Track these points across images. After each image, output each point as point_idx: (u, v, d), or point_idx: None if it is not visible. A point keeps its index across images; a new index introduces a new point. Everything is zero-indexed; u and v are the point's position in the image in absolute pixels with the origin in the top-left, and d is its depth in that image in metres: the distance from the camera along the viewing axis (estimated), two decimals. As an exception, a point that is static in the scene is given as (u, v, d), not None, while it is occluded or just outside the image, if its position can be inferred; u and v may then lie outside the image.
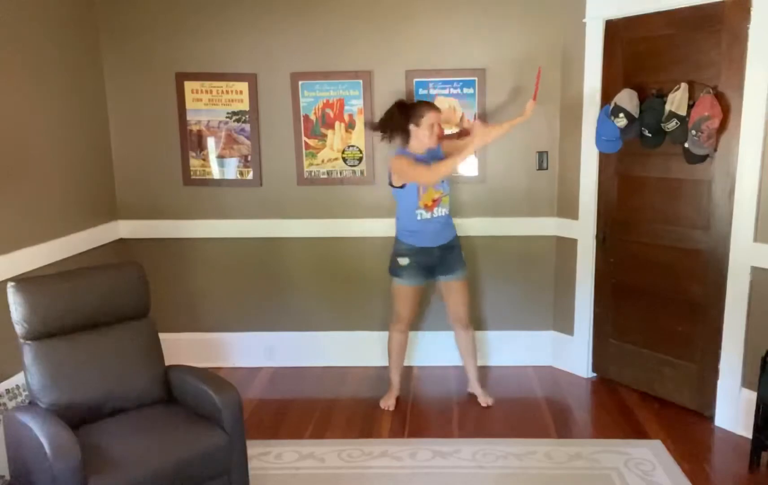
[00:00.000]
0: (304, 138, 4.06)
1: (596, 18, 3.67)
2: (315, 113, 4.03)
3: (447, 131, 3.84)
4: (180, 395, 2.83)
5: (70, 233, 3.61)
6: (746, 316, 3.24)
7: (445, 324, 4.12)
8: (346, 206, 4.13)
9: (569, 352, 4.13)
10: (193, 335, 4.30)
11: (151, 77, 4.03)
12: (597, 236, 3.88)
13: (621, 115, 3.44)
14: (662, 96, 3.36)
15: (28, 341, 2.61)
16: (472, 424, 3.52)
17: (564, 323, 4.15)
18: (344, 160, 4.07)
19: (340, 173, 4.09)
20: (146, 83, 4.03)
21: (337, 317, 4.26)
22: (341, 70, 3.97)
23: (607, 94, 3.63)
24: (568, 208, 4.01)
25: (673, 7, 3.35)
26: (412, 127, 3.45)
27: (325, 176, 4.09)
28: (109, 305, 2.81)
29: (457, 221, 3.79)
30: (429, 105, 3.47)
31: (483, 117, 3.97)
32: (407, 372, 4.01)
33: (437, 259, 3.54)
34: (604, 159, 3.78)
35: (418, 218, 3.45)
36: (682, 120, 3.24)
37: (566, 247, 4.06)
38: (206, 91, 4.02)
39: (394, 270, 3.57)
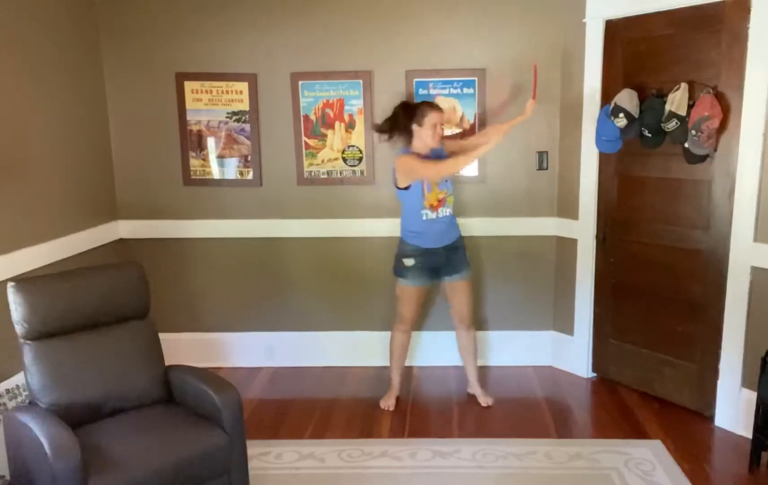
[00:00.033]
0: (304, 138, 4.06)
1: (596, 18, 3.67)
2: (315, 113, 4.03)
3: (448, 132, 3.84)
4: (180, 395, 2.83)
5: (70, 233, 3.61)
6: (746, 316, 3.24)
7: (445, 324, 4.13)
8: (346, 206, 4.13)
9: (569, 352, 4.13)
10: (193, 335, 4.30)
11: (151, 77, 4.03)
12: (597, 236, 3.88)
13: (621, 115, 3.44)
14: (662, 96, 3.36)
15: (28, 341, 2.61)
16: (472, 424, 3.52)
17: (564, 323, 4.15)
18: (344, 160, 4.07)
19: (340, 173, 4.09)
20: (146, 83, 4.03)
21: (337, 317, 4.26)
22: (341, 70, 3.97)
23: (607, 94, 3.63)
24: (568, 208, 4.01)
25: (673, 7, 3.35)
26: (414, 127, 3.45)
27: (325, 176, 4.10)
28: (109, 305, 2.81)
29: (457, 221, 3.79)
30: (432, 105, 3.47)
31: (483, 117, 3.97)
32: (407, 371, 4.01)
33: (443, 259, 3.54)
34: (604, 159, 3.78)
35: (424, 218, 3.45)
36: (682, 120, 3.24)
37: (566, 247, 4.06)
38: (206, 91, 4.02)
39: (399, 271, 3.57)
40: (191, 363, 3.04)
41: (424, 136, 3.43)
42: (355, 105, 4.01)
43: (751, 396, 3.17)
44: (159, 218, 4.17)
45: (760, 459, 3.02)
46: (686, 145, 3.26)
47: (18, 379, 3.03)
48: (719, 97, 3.19)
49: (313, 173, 4.10)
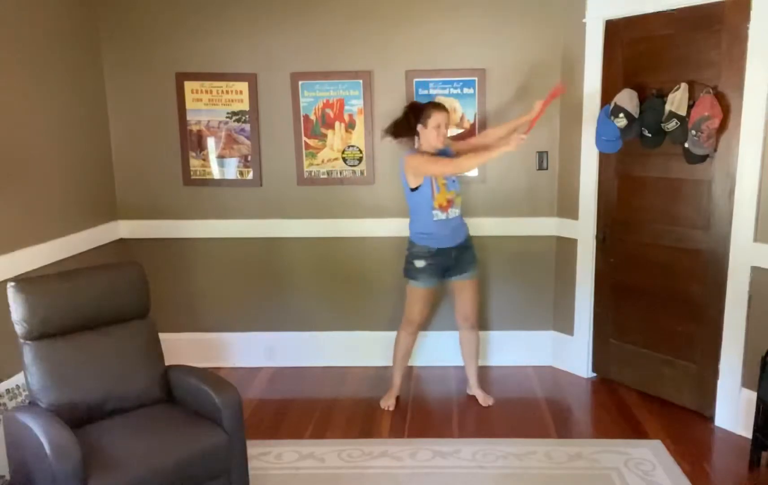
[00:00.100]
0: (304, 138, 4.06)
1: (596, 18, 3.67)
2: (315, 113, 4.03)
3: (451, 132, 3.84)
4: (180, 395, 2.83)
5: (70, 233, 3.61)
6: (746, 316, 3.24)
7: (445, 325, 4.13)
8: (346, 206, 4.13)
9: (569, 352, 4.13)
10: (193, 335, 4.30)
11: (151, 77, 4.03)
12: (597, 236, 3.88)
13: (621, 115, 3.44)
14: (662, 96, 3.36)
15: (28, 341, 2.61)
16: (472, 424, 3.52)
17: (564, 323, 4.15)
18: (344, 160, 4.07)
19: (340, 173, 4.09)
20: (146, 83, 4.03)
21: (337, 317, 4.26)
22: (341, 70, 3.97)
23: (607, 94, 3.63)
24: (568, 208, 4.01)
25: (673, 7, 3.35)
26: (420, 127, 3.46)
27: (325, 176, 4.09)
28: (109, 305, 2.81)
29: (460, 220, 3.80)
30: (436, 105, 3.47)
31: (483, 117, 3.97)
32: (407, 371, 4.00)
33: (453, 260, 3.54)
34: (604, 159, 3.78)
35: (435, 218, 3.44)
36: (682, 120, 3.24)
37: (566, 247, 4.06)
38: (206, 91, 4.02)
39: (410, 273, 3.56)
40: (191, 363, 3.03)
41: (428, 136, 3.43)
42: (355, 105, 4.01)
43: (751, 396, 3.17)
44: (159, 218, 4.17)
45: (760, 459, 3.02)
46: (686, 145, 3.26)
47: (18, 379, 3.03)
48: (719, 97, 3.19)
49: (313, 173, 4.10)
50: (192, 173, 4.12)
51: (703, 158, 3.28)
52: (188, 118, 4.06)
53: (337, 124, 4.04)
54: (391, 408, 3.67)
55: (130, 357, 2.79)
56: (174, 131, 4.07)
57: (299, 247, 4.19)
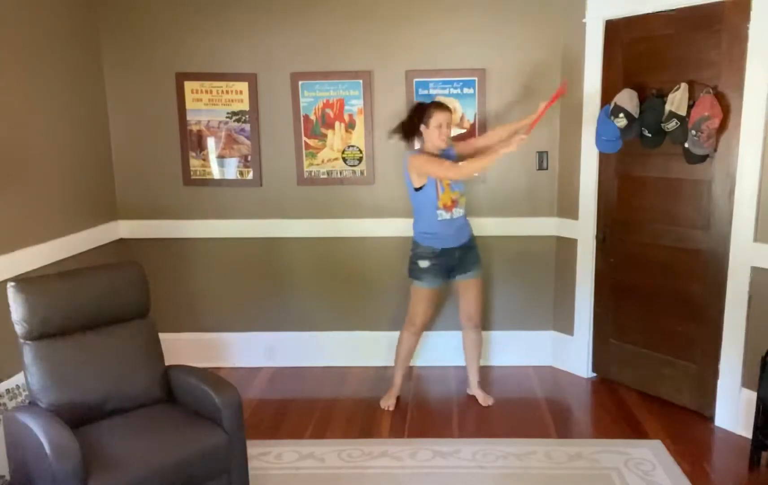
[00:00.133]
0: (304, 138, 4.06)
1: (596, 18, 3.67)
2: (315, 113, 4.03)
3: (454, 132, 3.83)
4: (180, 395, 2.83)
5: (70, 233, 3.61)
6: (746, 316, 3.24)
7: (445, 325, 4.14)
8: (346, 206, 4.13)
9: (569, 352, 4.13)
10: (193, 335, 4.30)
11: (151, 77, 4.03)
12: (597, 236, 3.88)
13: (621, 115, 3.44)
14: (662, 96, 3.36)
15: (28, 342, 2.61)
16: (472, 424, 3.52)
17: (564, 323, 4.15)
18: (344, 160, 4.07)
19: (340, 173, 4.09)
20: (146, 83, 4.03)
21: (337, 317, 4.26)
22: (341, 70, 3.97)
23: (607, 94, 3.63)
24: (568, 208, 4.01)
25: (673, 7, 3.35)
26: (422, 127, 3.46)
27: (325, 176, 4.09)
28: (109, 305, 2.81)
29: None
30: (438, 105, 3.46)
31: (483, 117, 3.97)
32: (407, 371, 4.00)
33: (457, 259, 3.54)
34: (604, 159, 3.78)
35: (439, 218, 3.44)
36: (682, 120, 3.24)
37: (566, 247, 4.06)
38: (206, 91, 4.02)
39: (414, 273, 3.55)
40: (191, 363, 3.03)
41: (431, 136, 3.43)
42: (355, 105, 4.01)
43: (751, 396, 3.17)
44: (159, 218, 4.17)
45: (760, 459, 3.02)
46: (686, 145, 3.26)
47: (18, 379, 3.03)
48: (719, 97, 3.19)
49: (313, 173, 4.10)
50: (192, 173, 4.12)
51: (703, 158, 3.28)
52: (188, 118, 4.06)
53: (337, 124, 4.04)
54: (391, 408, 3.67)
55: (130, 357, 2.79)
56: (174, 131, 4.07)
57: (299, 247, 4.19)
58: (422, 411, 3.66)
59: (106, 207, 4.05)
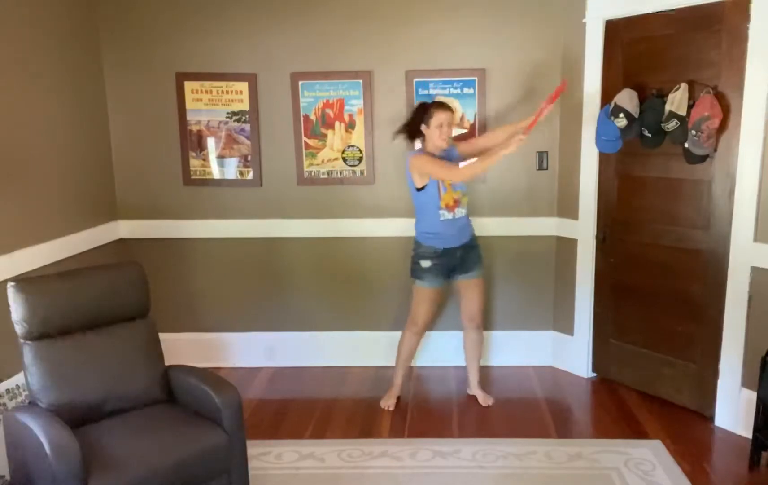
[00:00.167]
0: (304, 138, 4.06)
1: (596, 18, 3.67)
2: (315, 113, 4.03)
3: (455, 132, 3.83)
4: (180, 395, 2.83)
5: (70, 233, 3.61)
6: (746, 316, 3.24)
7: (445, 325, 4.13)
8: (346, 206, 4.13)
9: (569, 352, 4.13)
10: (193, 335, 4.30)
11: (151, 77, 4.03)
12: (597, 236, 3.88)
13: (621, 115, 3.44)
14: (662, 96, 3.36)
15: (28, 342, 2.61)
16: (472, 424, 3.52)
17: (564, 323, 4.15)
18: (344, 160, 4.07)
19: (340, 173, 4.09)
20: (146, 83, 4.03)
21: (337, 317, 4.26)
22: (341, 70, 3.97)
23: (607, 94, 3.63)
24: (568, 208, 4.01)
25: (673, 7, 3.35)
26: (423, 127, 3.45)
27: (325, 176, 4.09)
28: (109, 305, 2.81)
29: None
30: (438, 105, 3.45)
31: (483, 118, 3.97)
32: (408, 371, 4.00)
33: (459, 259, 3.53)
34: (604, 159, 3.78)
35: (441, 218, 3.44)
36: (682, 120, 3.24)
37: (566, 247, 4.06)
38: (206, 91, 4.02)
39: (416, 273, 3.55)
40: (191, 363, 3.03)
41: (432, 136, 3.43)
42: (355, 105, 4.01)
43: (751, 396, 3.17)
44: (159, 218, 4.17)
45: (760, 459, 3.02)
46: (686, 145, 3.26)
47: (18, 379, 3.03)
48: (719, 97, 3.19)
49: (313, 173, 4.10)
50: (192, 173, 4.12)
51: (703, 158, 3.28)
52: (188, 118, 4.06)
53: (337, 124, 4.04)
54: (391, 408, 3.67)
55: (130, 357, 2.79)
56: (174, 131, 4.07)
57: (299, 247, 4.19)
58: (422, 411, 3.66)
59: (106, 207, 4.05)
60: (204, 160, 4.10)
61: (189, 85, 4.02)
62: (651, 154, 3.53)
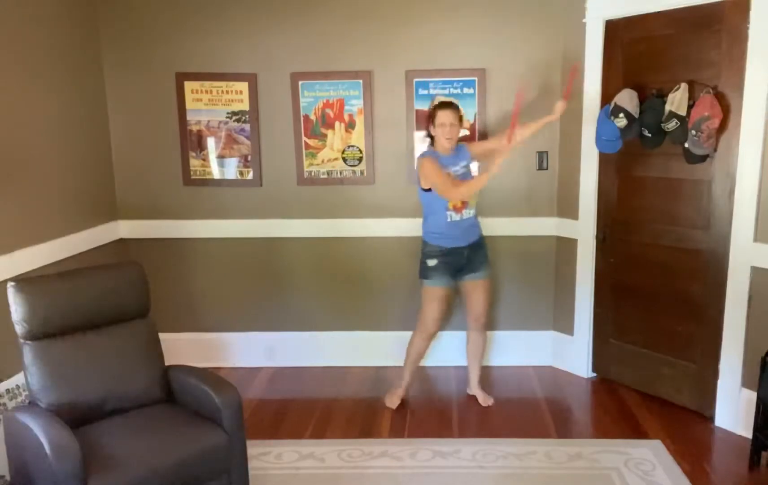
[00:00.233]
0: (304, 138, 4.06)
1: (596, 18, 3.67)
2: (315, 113, 4.03)
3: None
4: (180, 395, 2.83)
5: (70, 233, 3.61)
6: (746, 316, 3.24)
7: (445, 325, 4.12)
8: (346, 206, 4.13)
9: (569, 352, 4.13)
10: (193, 335, 4.30)
11: (151, 77, 4.03)
12: (597, 236, 3.88)
13: (621, 115, 3.44)
14: (662, 96, 3.36)
15: (28, 342, 2.61)
16: (473, 424, 3.52)
17: (564, 323, 4.15)
18: (344, 160, 4.07)
19: (340, 173, 4.09)
20: (146, 83, 4.03)
21: (337, 317, 4.26)
22: (341, 70, 3.97)
23: (607, 95, 3.63)
24: (568, 208, 4.01)
25: (673, 7, 3.35)
26: (431, 129, 3.46)
27: (325, 176, 4.09)
28: (109, 305, 2.81)
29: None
30: (441, 105, 3.45)
31: (483, 118, 3.97)
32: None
33: (465, 259, 3.53)
34: (604, 159, 3.78)
35: (448, 219, 3.44)
36: (682, 120, 3.24)
37: (566, 247, 4.06)
38: (206, 91, 4.02)
39: (424, 272, 3.54)
40: (191, 363, 3.03)
41: (437, 136, 3.43)
42: (355, 105, 4.01)
43: (751, 396, 3.17)
44: (159, 218, 4.17)
45: (760, 459, 3.02)
46: (686, 145, 3.26)
47: (18, 379, 3.03)
48: (719, 97, 3.19)
49: (313, 173, 4.10)
50: (192, 173, 4.12)
51: (703, 158, 3.28)
52: (188, 118, 4.06)
53: (337, 124, 4.04)
54: (395, 407, 3.66)
55: (130, 357, 2.79)
56: (174, 131, 4.07)
57: (299, 247, 4.19)
58: (422, 411, 3.66)
59: (106, 207, 4.05)
60: (204, 160, 4.10)
61: (189, 85, 4.02)
62: (651, 154, 3.53)
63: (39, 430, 2.30)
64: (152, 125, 4.08)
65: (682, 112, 3.24)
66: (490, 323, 4.20)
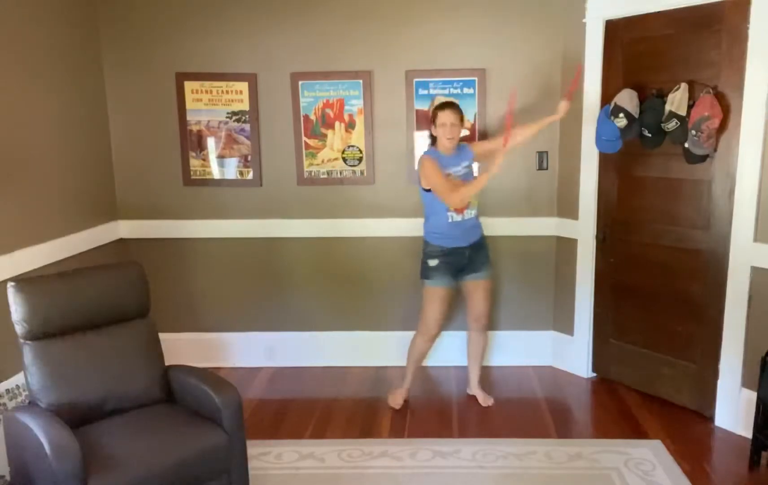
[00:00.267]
0: (304, 138, 4.06)
1: (596, 18, 3.67)
2: (315, 113, 4.03)
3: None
4: (180, 395, 2.83)
5: (70, 233, 3.61)
6: (746, 316, 3.24)
7: (445, 325, 4.12)
8: (346, 206, 4.13)
9: (569, 352, 4.13)
10: (193, 335, 4.30)
11: (151, 77, 4.03)
12: (597, 236, 3.88)
13: (621, 115, 3.44)
14: (662, 96, 3.36)
15: (28, 342, 2.61)
16: (473, 424, 3.52)
17: (564, 323, 4.15)
18: (344, 160, 4.07)
19: (340, 173, 4.09)
20: (146, 83, 4.03)
21: (337, 317, 4.26)
22: (341, 70, 3.97)
23: (607, 95, 3.63)
24: (568, 208, 4.01)
25: (673, 7, 3.35)
26: (433, 129, 3.47)
27: (325, 176, 4.09)
28: (109, 305, 2.81)
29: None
30: (440, 105, 3.45)
31: (483, 118, 3.97)
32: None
33: (467, 259, 3.53)
34: (604, 159, 3.78)
35: (450, 220, 3.43)
36: (682, 120, 3.24)
37: (566, 247, 4.06)
38: (206, 92, 4.02)
39: (425, 272, 3.54)
40: (191, 363, 3.03)
41: (438, 136, 3.44)
42: (355, 105, 4.01)
43: (751, 396, 3.17)
44: (159, 218, 4.17)
45: (760, 459, 3.02)
46: (686, 145, 3.26)
47: (18, 379, 3.03)
48: (719, 97, 3.19)
49: (313, 173, 4.10)
50: (192, 173, 4.12)
51: (703, 158, 3.28)
52: (188, 118, 4.06)
53: (337, 124, 4.04)
54: (397, 407, 3.66)
55: (130, 357, 2.79)
56: (174, 131, 4.07)
57: (299, 247, 4.19)
58: (422, 411, 3.66)
59: (106, 207, 4.05)
60: (204, 160, 4.10)
61: (189, 85, 4.02)
62: (651, 154, 3.53)
63: (39, 430, 2.30)
64: (152, 125, 4.08)
65: (682, 112, 3.24)
66: (491, 323, 4.20)
